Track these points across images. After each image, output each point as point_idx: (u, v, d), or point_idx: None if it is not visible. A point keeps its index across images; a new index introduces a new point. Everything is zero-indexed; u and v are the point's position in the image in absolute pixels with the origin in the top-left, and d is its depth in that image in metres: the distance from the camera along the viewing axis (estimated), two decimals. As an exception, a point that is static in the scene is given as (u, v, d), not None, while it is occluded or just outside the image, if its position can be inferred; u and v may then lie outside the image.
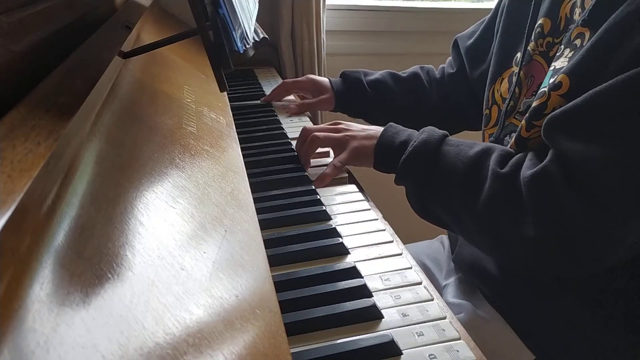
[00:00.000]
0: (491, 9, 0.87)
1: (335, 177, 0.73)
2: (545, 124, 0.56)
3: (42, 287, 0.23)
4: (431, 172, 0.63)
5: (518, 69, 0.70)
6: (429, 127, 0.68)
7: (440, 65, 1.00)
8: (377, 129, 0.72)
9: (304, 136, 0.76)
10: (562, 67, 0.58)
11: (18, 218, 0.22)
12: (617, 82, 0.49)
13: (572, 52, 0.59)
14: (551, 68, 0.62)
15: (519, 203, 0.55)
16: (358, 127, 0.75)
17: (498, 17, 0.81)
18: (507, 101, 0.71)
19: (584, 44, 0.57)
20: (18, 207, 0.22)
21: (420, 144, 0.64)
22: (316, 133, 0.75)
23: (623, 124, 0.50)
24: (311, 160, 0.77)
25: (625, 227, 0.52)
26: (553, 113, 0.55)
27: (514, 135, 0.71)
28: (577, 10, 0.63)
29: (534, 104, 0.60)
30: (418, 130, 0.68)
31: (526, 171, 0.56)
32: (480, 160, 0.60)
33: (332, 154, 0.79)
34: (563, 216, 0.53)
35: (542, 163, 0.55)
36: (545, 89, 0.59)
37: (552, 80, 0.59)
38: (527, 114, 0.61)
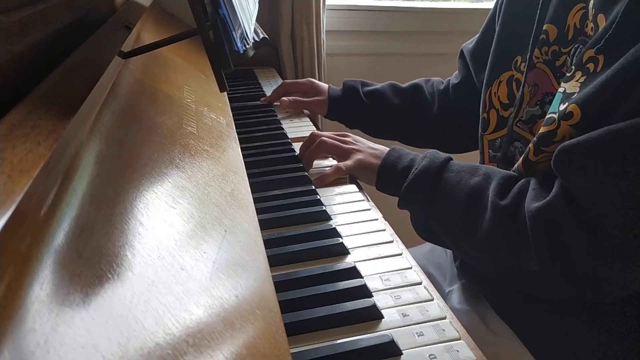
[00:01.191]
0: (491, 9, 0.87)
1: (336, 177, 0.73)
2: (557, 155, 0.54)
3: (42, 287, 0.23)
4: (432, 200, 0.63)
5: (524, 77, 0.69)
6: (432, 151, 0.68)
7: (447, 78, 0.98)
8: (384, 149, 0.73)
9: (312, 139, 0.77)
10: (574, 93, 0.56)
11: (18, 218, 0.22)
12: (635, 122, 0.48)
13: (585, 78, 0.56)
14: (561, 90, 0.59)
15: (521, 236, 0.54)
16: (367, 143, 0.76)
17: (496, 16, 0.80)
18: (515, 110, 0.70)
19: (597, 70, 0.55)
20: (18, 207, 0.22)
21: (421, 172, 0.64)
22: (324, 138, 0.75)
23: (634, 164, 0.48)
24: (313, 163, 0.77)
25: (634, 271, 0.51)
26: (565, 144, 0.53)
27: (519, 144, 0.70)
28: (589, 25, 0.60)
29: (542, 130, 0.58)
30: (422, 154, 0.68)
31: (531, 203, 0.54)
32: (480, 190, 0.60)
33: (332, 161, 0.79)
34: (569, 254, 0.52)
35: (549, 197, 0.53)
36: (555, 116, 0.57)
37: (562, 107, 0.56)
38: (535, 138, 0.60)
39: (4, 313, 0.20)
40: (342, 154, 0.74)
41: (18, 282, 0.22)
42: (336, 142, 0.75)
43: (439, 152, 0.68)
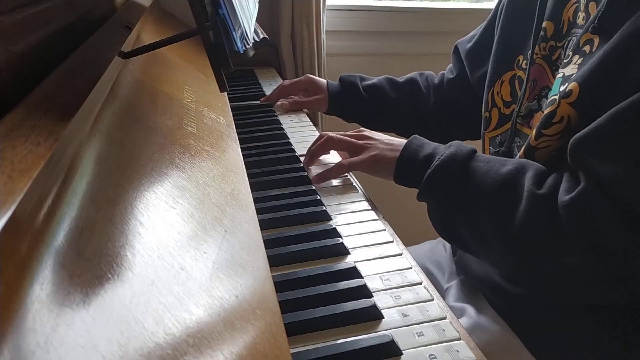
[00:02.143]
0: (491, 9, 0.87)
1: (336, 177, 0.73)
2: (572, 148, 0.53)
3: (42, 287, 0.23)
4: (459, 189, 0.60)
5: (526, 74, 0.69)
6: (457, 141, 0.65)
7: (440, 72, 0.99)
8: (401, 141, 0.69)
9: (319, 138, 0.75)
10: (572, 74, 0.57)
11: (18, 218, 0.22)
12: (638, 96, 0.48)
13: (582, 59, 0.58)
14: (559, 75, 0.60)
15: (559, 228, 0.52)
16: (383, 138, 0.72)
17: (497, 19, 0.81)
18: (518, 106, 0.70)
19: (593, 51, 0.56)
20: (18, 208, 0.22)
21: (448, 159, 0.61)
22: (332, 135, 0.73)
23: None
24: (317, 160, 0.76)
25: None
26: (576, 136, 0.53)
27: (518, 140, 0.70)
28: (581, 15, 0.62)
29: (545, 112, 0.59)
30: (445, 144, 0.65)
31: (564, 195, 0.53)
32: (514, 179, 0.57)
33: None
34: (608, 242, 0.50)
35: (579, 188, 0.52)
36: (556, 97, 0.57)
37: (562, 87, 0.57)
38: (538, 122, 0.60)
39: (4, 313, 0.20)
40: (354, 149, 0.72)
41: (18, 282, 0.22)
42: (346, 138, 0.73)
43: (462, 142, 0.65)
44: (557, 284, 0.56)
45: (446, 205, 0.61)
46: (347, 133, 0.76)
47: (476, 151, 0.63)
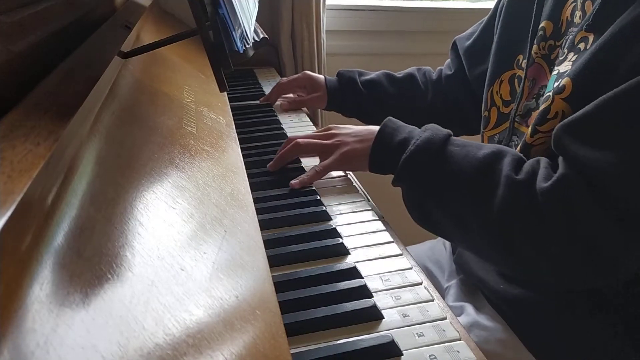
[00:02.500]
0: (491, 9, 0.87)
1: (336, 177, 0.73)
2: (556, 133, 0.54)
3: (42, 287, 0.23)
4: (435, 173, 0.59)
5: (524, 73, 0.69)
6: (432, 124, 0.64)
7: (438, 67, 1.00)
8: (371, 130, 0.67)
9: (287, 142, 0.73)
10: (567, 71, 0.58)
11: (18, 218, 0.22)
12: (630, 85, 0.48)
13: (576, 56, 0.58)
14: (554, 72, 0.61)
15: (537, 214, 0.53)
16: (351, 130, 0.71)
17: (497, 18, 0.81)
18: (516, 105, 0.70)
19: (587, 48, 0.56)
20: (18, 208, 0.22)
21: (424, 143, 0.60)
22: (299, 139, 0.71)
23: (637, 127, 0.49)
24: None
25: None
26: (563, 122, 0.53)
27: (516, 139, 0.71)
28: (578, 14, 0.62)
29: (540, 108, 0.59)
30: (419, 128, 0.65)
31: (543, 183, 0.53)
32: (491, 163, 0.57)
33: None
34: (587, 227, 0.51)
35: (559, 173, 0.53)
36: (550, 93, 0.58)
37: (556, 84, 0.58)
38: (534, 120, 0.60)
39: (4, 313, 0.20)
40: (323, 150, 0.71)
41: (18, 282, 0.22)
42: (314, 140, 0.71)
43: (438, 125, 0.64)
44: (536, 267, 0.56)
45: (422, 190, 0.60)
46: (314, 134, 0.74)
47: (452, 134, 0.62)
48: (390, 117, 0.68)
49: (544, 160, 0.57)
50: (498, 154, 0.58)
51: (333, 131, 0.73)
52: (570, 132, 0.53)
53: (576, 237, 0.51)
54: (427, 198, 0.61)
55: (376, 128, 0.67)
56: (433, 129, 0.62)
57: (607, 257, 0.52)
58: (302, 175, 0.69)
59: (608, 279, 0.55)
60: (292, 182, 0.67)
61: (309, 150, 0.72)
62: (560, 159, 0.55)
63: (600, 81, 0.52)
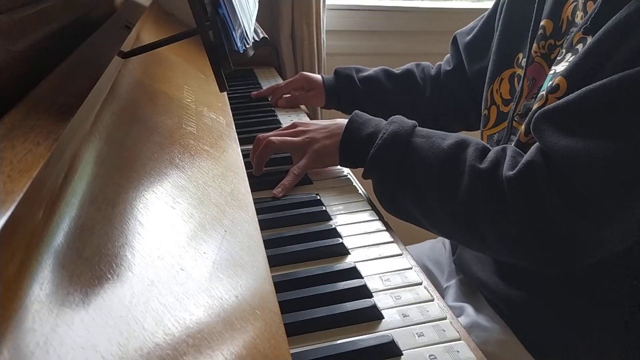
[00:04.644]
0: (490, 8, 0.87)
1: (336, 177, 0.73)
2: (535, 118, 0.55)
3: (41, 287, 0.23)
4: (402, 166, 0.60)
5: (523, 72, 0.70)
6: (397, 116, 0.66)
7: (437, 63, 1.00)
8: (339, 124, 0.68)
9: (258, 143, 0.71)
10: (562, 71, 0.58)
11: (18, 218, 0.22)
12: (612, 80, 0.49)
13: (573, 57, 0.59)
14: (551, 72, 0.61)
15: (499, 200, 0.54)
16: (318, 126, 0.71)
17: (497, 15, 0.81)
18: (514, 104, 0.71)
19: None
20: (18, 207, 0.22)
21: (390, 136, 0.62)
22: (271, 138, 0.71)
23: (613, 120, 0.49)
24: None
25: (605, 228, 0.51)
26: (544, 107, 0.54)
27: (514, 138, 0.71)
28: (579, 14, 0.62)
29: (534, 108, 0.60)
30: (386, 120, 0.66)
31: (508, 171, 0.54)
32: (455, 154, 0.58)
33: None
34: (543, 214, 0.52)
35: (525, 158, 0.54)
36: (544, 93, 0.59)
37: (550, 83, 0.58)
38: (527, 119, 0.61)
39: (4, 313, 0.20)
40: (295, 148, 0.71)
41: (18, 282, 0.22)
42: (286, 138, 0.71)
43: (404, 117, 0.65)
44: (503, 251, 0.58)
45: (391, 182, 0.62)
46: (283, 132, 0.73)
47: (417, 125, 0.64)
48: (357, 111, 0.70)
49: (510, 149, 0.58)
50: (461, 144, 0.60)
51: (300, 128, 0.73)
52: (546, 118, 0.54)
53: (537, 223, 0.53)
54: (396, 190, 0.62)
55: (343, 121, 0.68)
56: (398, 121, 0.64)
57: (567, 244, 0.53)
58: (282, 182, 0.68)
59: (571, 265, 0.56)
60: (275, 190, 0.67)
61: (283, 148, 0.71)
62: (534, 145, 0.56)
63: (590, 80, 0.53)
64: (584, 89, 0.51)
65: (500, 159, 0.57)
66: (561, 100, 0.53)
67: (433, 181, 0.59)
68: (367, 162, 0.63)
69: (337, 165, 0.69)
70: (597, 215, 0.51)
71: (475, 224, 0.56)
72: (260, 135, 0.73)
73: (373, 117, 0.67)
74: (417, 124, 0.64)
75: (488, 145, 0.60)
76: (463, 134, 0.62)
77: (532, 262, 0.58)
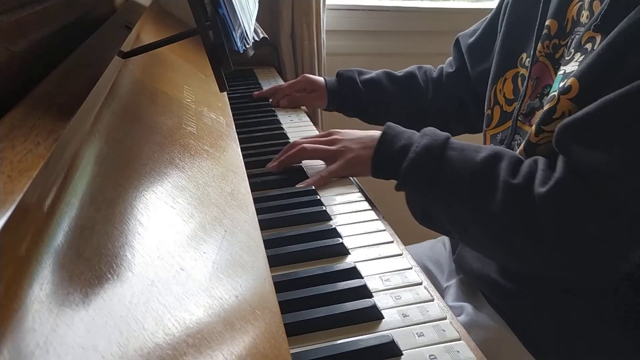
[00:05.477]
0: (491, 9, 0.87)
1: (336, 177, 0.73)
2: (557, 132, 0.54)
3: (41, 287, 0.23)
4: (435, 179, 0.60)
5: (528, 72, 0.69)
6: (430, 128, 0.66)
7: (439, 66, 1.00)
8: (374, 136, 0.69)
9: (291, 146, 0.74)
10: (573, 71, 0.58)
11: (18, 218, 0.22)
12: (632, 87, 0.49)
13: (583, 57, 0.58)
14: (561, 72, 0.61)
15: (534, 216, 0.54)
16: (354, 136, 0.72)
17: (501, 16, 0.81)
18: (519, 104, 0.70)
19: (594, 48, 0.57)
20: (18, 207, 0.22)
21: (423, 150, 0.62)
22: (305, 145, 0.72)
23: (636, 132, 0.49)
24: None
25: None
26: (564, 120, 0.54)
27: (518, 137, 0.71)
28: (585, 13, 0.62)
29: (545, 108, 0.59)
30: (418, 131, 0.66)
31: (540, 187, 0.54)
32: (489, 168, 0.58)
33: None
34: (577, 230, 0.52)
35: (556, 175, 0.53)
36: (555, 93, 0.58)
37: (562, 84, 0.58)
38: (537, 119, 0.60)
39: (4, 313, 0.20)
40: (328, 156, 0.72)
41: (18, 282, 0.22)
42: (319, 145, 0.72)
43: (436, 129, 0.66)
44: (536, 266, 0.58)
45: (424, 194, 0.62)
46: (317, 139, 0.74)
47: (450, 138, 0.64)
48: (390, 123, 0.70)
49: (541, 162, 0.58)
50: (495, 157, 0.59)
51: (336, 136, 0.74)
52: (570, 132, 0.53)
53: (572, 239, 0.52)
54: (429, 202, 0.62)
55: (378, 133, 0.68)
56: (431, 134, 0.64)
57: (602, 259, 0.53)
58: (307, 180, 0.69)
59: (601, 278, 0.57)
60: (298, 185, 0.69)
61: (315, 155, 0.73)
62: (559, 158, 0.55)
63: (606, 81, 0.52)
64: (604, 98, 0.50)
65: (533, 172, 0.56)
66: (581, 112, 0.52)
67: (466, 195, 0.58)
68: (400, 175, 0.63)
69: (368, 175, 0.69)
70: (632, 230, 0.51)
71: (508, 239, 0.56)
72: (296, 140, 0.74)
73: (406, 130, 0.67)
74: (450, 135, 0.64)
75: (521, 157, 0.60)
76: (497, 147, 0.62)
77: (564, 276, 0.58)
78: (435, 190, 0.61)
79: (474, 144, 0.63)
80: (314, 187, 0.69)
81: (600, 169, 0.50)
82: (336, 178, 0.72)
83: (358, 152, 0.69)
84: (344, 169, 0.70)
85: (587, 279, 0.57)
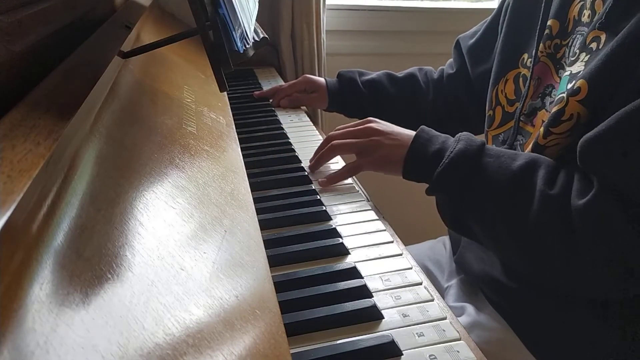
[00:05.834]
0: (492, 9, 0.87)
1: (345, 180, 0.72)
2: (580, 150, 0.53)
3: (41, 287, 0.23)
4: (469, 186, 0.59)
5: (530, 72, 0.69)
6: (465, 134, 0.64)
7: (440, 67, 1.00)
8: (410, 134, 0.67)
9: (325, 142, 0.73)
10: (580, 72, 0.57)
11: (18, 218, 0.22)
12: None
13: (589, 56, 0.58)
14: (567, 73, 0.61)
15: (570, 229, 0.53)
16: (390, 130, 0.69)
17: (502, 17, 0.81)
18: (521, 104, 0.70)
19: (600, 48, 0.56)
20: (18, 208, 0.22)
21: (458, 155, 0.60)
22: (337, 141, 0.71)
23: None
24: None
25: None
26: (586, 137, 0.53)
27: (520, 138, 0.70)
28: (586, 12, 0.62)
29: (553, 110, 0.59)
30: (453, 136, 0.64)
31: (577, 200, 0.53)
32: (525, 177, 0.57)
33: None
34: (620, 245, 0.51)
35: (593, 191, 0.52)
36: (564, 95, 0.58)
37: (570, 85, 0.58)
38: (546, 120, 0.60)
39: (4, 313, 0.20)
40: (361, 150, 0.70)
41: (18, 282, 0.22)
42: (352, 140, 0.70)
43: (471, 134, 0.64)
44: (566, 281, 0.57)
45: (456, 201, 0.61)
46: (352, 127, 0.73)
47: (485, 144, 0.62)
48: (424, 127, 0.68)
49: (577, 174, 0.56)
50: (532, 165, 0.58)
51: (372, 125, 0.71)
52: (595, 149, 0.52)
53: (609, 254, 0.51)
54: (461, 208, 0.61)
55: (413, 133, 0.67)
56: (466, 140, 0.62)
57: (631, 274, 0.52)
58: (331, 173, 0.69)
59: (629, 293, 0.56)
60: (320, 180, 0.68)
61: (348, 151, 0.71)
62: (591, 175, 0.54)
63: (617, 83, 0.52)
64: (620, 113, 0.49)
65: (570, 183, 0.55)
66: (602, 126, 0.51)
67: (501, 204, 0.57)
68: (433, 180, 0.61)
69: (397, 175, 0.66)
70: None
71: (543, 250, 0.55)
72: (333, 132, 0.73)
73: (440, 134, 0.66)
74: (485, 142, 0.63)
75: (557, 165, 0.58)
76: (533, 154, 0.60)
77: (595, 291, 0.57)
78: (468, 198, 0.60)
79: (510, 150, 0.62)
80: (313, 188, 0.69)
81: (630, 183, 0.50)
82: (333, 170, 0.72)
83: (391, 150, 0.67)
84: (375, 165, 0.68)
85: (620, 293, 0.56)
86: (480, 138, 0.65)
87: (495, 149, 0.62)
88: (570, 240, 0.53)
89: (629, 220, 0.50)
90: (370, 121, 0.72)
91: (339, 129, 0.74)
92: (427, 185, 0.63)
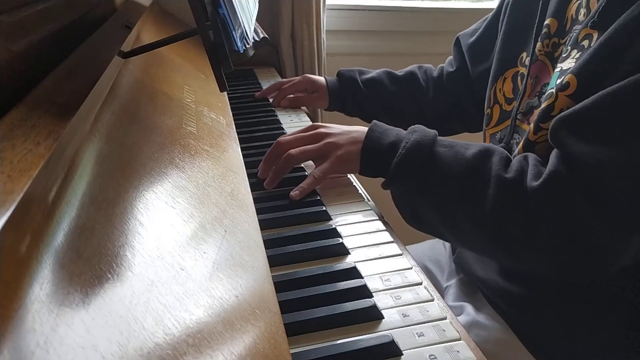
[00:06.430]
0: (491, 8, 0.87)
1: (336, 177, 0.73)
2: (553, 125, 0.54)
3: (42, 287, 0.23)
4: (425, 176, 0.59)
5: (527, 70, 0.70)
6: (418, 126, 0.64)
7: (440, 65, 1.00)
8: (361, 130, 0.66)
9: (277, 152, 0.68)
10: (570, 68, 0.58)
11: (18, 218, 0.22)
12: (629, 82, 0.49)
13: (580, 53, 0.59)
14: (557, 69, 0.61)
15: (528, 211, 0.53)
16: (340, 130, 0.68)
17: (502, 15, 0.81)
18: (517, 102, 0.71)
19: (591, 45, 0.57)
20: (18, 207, 0.22)
21: (414, 145, 0.60)
22: (291, 151, 0.67)
23: (634, 124, 0.49)
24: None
25: (637, 234, 0.51)
26: (561, 114, 0.54)
27: (517, 136, 0.71)
28: (582, 11, 0.63)
29: (542, 106, 0.59)
30: (405, 129, 0.64)
31: (533, 181, 0.54)
32: (480, 163, 0.58)
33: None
34: (578, 223, 0.51)
35: (550, 168, 0.53)
36: (553, 90, 0.58)
37: (559, 80, 0.58)
38: (535, 117, 0.60)
39: (4, 313, 0.20)
40: (317, 155, 0.68)
41: (18, 282, 0.22)
42: (306, 147, 0.68)
43: (424, 126, 0.64)
44: (530, 262, 0.57)
45: (414, 193, 0.61)
46: (302, 135, 0.70)
47: (437, 134, 0.63)
48: (376, 121, 0.67)
49: (532, 157, 0.58)
50: (486, 153, 0.59)
51: (321, 130, 0.70)
52: (566, 126, 0.54)
53: (568, 233, 0.52)
54: (419, 200, 0.61)
55: (364, 129, 0.66)
56: (420, 131, 0.63)
57: (598, 253, 0.53)
58: (301, 184, 0.67)
59: (599, 273, 0.56)
60: (292, 193, 0.65)
61: (304, 158, 0.69)
62: (553, 152, 0.55)
63: (603, 77, 0.52)
64: (601, 92, 0.51)
65: (524, 167, 0.56)
66: (578, 106, 0.52)
67: (457, 191, 0.58)
68: (390, 171, 0.61)
69: (356, 172, 0.66)
70: (630, 222, 0.51)
71: (503, 235, 0.55)
72: (281, 139, 0.69)
73: (392, 127, 0.66)
74: (437, 133, 0.63)
75: (509, 155, 0.59)
76: (485, 143, 0.62)
77: (562, 272, 0.57)
78: (425, 188, 0.60)
79: (461, 141, 0.62)
80: (315, 188, 0.69)
81: (596, 161, 0.50)
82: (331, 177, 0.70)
83: (347, 148, 0.66)
84: (335, 166, 0.67)
85: (590, 274, 0.56)
86: (479, 136, 0.65)
87: (448, 140, 0.62)
88: (528, 221, 0.54)
89: (584, 199, 0.51)
90: (318, 126, 0.71)
91: (287, 136, 0.71)
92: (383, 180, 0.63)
